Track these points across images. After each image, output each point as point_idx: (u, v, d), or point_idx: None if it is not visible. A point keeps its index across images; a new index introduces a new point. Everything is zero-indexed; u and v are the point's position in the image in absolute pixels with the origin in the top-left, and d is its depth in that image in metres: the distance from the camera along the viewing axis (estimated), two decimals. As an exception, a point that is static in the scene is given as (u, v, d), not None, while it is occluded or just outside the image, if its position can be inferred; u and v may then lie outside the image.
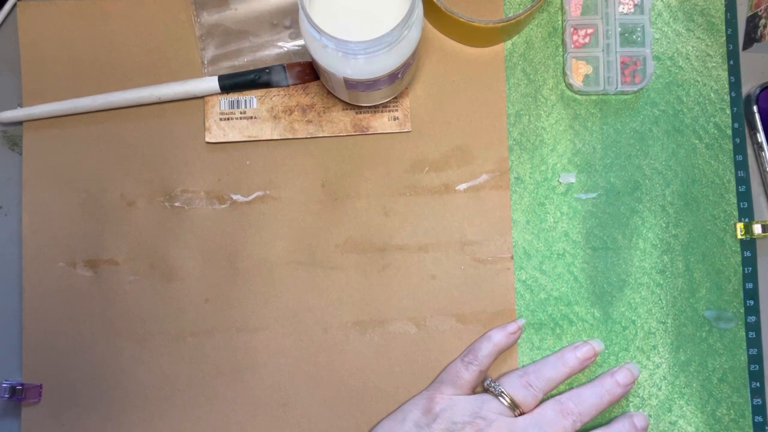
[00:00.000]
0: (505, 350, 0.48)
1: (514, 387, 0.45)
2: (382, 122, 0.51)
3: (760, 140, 0.50)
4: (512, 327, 0.48)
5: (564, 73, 0.51)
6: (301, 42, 0.51)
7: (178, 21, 0.51)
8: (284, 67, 0.50)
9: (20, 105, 0.51)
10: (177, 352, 0.49)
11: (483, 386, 0.47)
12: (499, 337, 0.47)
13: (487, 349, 0.47)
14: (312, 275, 0.50)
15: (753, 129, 0.50)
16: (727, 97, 0.51)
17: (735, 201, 0.51)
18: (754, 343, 0.50)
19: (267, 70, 0.50)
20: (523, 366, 0.48)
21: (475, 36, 0.50)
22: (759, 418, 0.49)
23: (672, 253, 0.50)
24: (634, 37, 0.50)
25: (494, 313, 0.50)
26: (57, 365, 0.49)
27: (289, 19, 0.51)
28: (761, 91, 0.50)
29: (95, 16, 0.51)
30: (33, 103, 0.50)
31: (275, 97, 0.51)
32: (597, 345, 0.48)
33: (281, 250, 0.50)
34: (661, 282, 0.50)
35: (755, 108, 0.50)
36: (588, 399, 0.45)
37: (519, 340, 0.49)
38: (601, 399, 0.45)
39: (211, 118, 0.50)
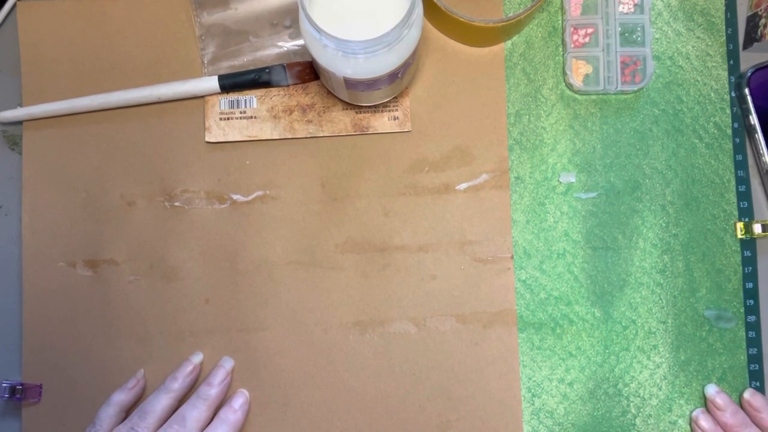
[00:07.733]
0: (132, 403, 0.48)
1: None
2: (382, 122, 0.51)
3: (752, 122, 0.50)
4: (131, 383, 0.48)
5: (564, 73, 0.51)
6: (301, 42, 0.51)
7: (178, 21, 0.51)
8: (284, 66, 0.50)
9: (20, 105, 0.51)
10: (177, 352, 0.49)
11: None
12: (119, 398, 0.47)
13: (106, 412, 0.46)
14: (312, 275, 0.50)
15: (745, 113, 0.50)
16: (727, 97, 0.51)
17: (735, 201, 0.51)
18: (753, 342, 0.50)
19: (267, 70, 0.50)
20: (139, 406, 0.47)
21: (475, 36, 0.50)
22: (759, 418, 0.49)
23: (672, 253, 0.50)
24: (634, 36, 0.50)
25: (494, 313, 0.50)
26: (57, 365, 0.49)
27: (289, 19, 0.51)
28: (752, 73, 0.50)
29: (95, 16, 0.51)
30: (33, 103, 0.50)
31: (275, 97, 0.51)
32: (196, 358, 0.49)
33: (281, 250, 0.50)
34: (662, 282, 0.50)
35: (747, 90, 0.50)
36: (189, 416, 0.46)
37: (519, 341, 0.49)
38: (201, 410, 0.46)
39: (211, 118, 0.50)
